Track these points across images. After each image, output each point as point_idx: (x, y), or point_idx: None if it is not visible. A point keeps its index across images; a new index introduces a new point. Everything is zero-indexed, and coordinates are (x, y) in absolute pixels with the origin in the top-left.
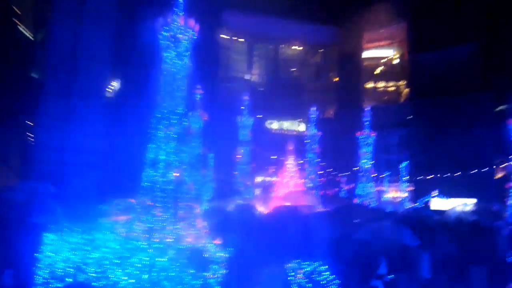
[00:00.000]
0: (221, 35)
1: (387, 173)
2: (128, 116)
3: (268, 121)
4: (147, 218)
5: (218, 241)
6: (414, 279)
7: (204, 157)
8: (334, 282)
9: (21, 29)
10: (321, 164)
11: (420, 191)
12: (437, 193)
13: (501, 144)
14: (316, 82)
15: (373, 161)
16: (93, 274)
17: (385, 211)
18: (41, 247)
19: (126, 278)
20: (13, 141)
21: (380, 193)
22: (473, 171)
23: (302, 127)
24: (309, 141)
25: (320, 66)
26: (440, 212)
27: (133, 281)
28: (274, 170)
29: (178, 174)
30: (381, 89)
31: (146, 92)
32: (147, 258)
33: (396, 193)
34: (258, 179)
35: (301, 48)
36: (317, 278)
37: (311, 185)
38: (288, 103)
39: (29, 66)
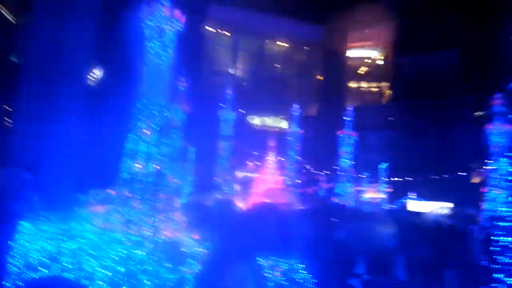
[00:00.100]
0: (207, 28)
1: (367, 174)
2: (110, 105)
3: (251, 117)
4: (125, 210)
5: (196, 236)
6: (390, 279)
7: (185, 150)
8: (311, 280)
9: (2, 12)
10: (301, 162)
11: (399, 193)
12: (415, 195)
13: (479, 148)
14: (299, 79)
15: (353, 161)
16: (68, 265)
17: (363, 211)
18: (15, 235)
19: (102, 270)
20: None
21: (359, 193)
22: (451, 175)
23: (284, 124)
24: (290, 138)
25: (304, 64)
26: (417, 214)
27: (109, 273)
28: (254, 166)
29: (158, 167)
30: (364, 89)
31: (128, 82)
32: (124, 251)
33: (375, 194)
34: (239, 174)
35: (286, 45)
36: (294, 276)
37: (291, 182)
38: (271, 99)
39: (9, 50)
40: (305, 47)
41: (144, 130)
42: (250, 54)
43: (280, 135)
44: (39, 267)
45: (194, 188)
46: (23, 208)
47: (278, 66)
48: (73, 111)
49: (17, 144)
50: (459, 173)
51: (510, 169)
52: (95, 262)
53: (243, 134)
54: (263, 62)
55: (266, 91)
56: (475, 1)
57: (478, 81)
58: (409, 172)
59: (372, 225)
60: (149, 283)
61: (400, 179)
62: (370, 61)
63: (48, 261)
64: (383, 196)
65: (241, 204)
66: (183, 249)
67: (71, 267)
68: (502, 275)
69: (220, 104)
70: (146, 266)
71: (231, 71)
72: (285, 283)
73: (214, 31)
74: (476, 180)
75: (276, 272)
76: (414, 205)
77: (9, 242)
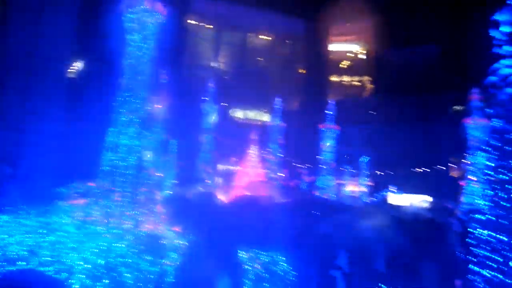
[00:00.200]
0: (189, 21)
1: (348, 167)
2: (90, 98)
3: (233, 110)
4: (106, 203)
5: (177, 228)
6: (370, 271)
7: (166, 143)
8: (292, 273)
9: None
10: (283, 155)
11: (379, 186)
12: (395, 189)
13: (458, 143)
14: (282, 73)
15: (335, 155)
16: (48, 258)
17: (345, 204)
18: None
19: (81, 263)
20: None
21: (340, 186)
22: (430, 168)
23: (266, 118)
24: (272, 131)
25: (287, 57)
26: (397, 207)
27: (89, 266)
28: (236, 159)
29: (139, 160)
30: (346, 83)
31: (109, 75)
32: (104, 243)
33: (356, 187)
34: (221, 167)
35: (269, 38)
36: (274, 269)
37: (272, 175)
38: (253, 93)
39: None
40: (287, 41)
41: (125, 123)
42: (233, 48)
43: (263, 128)
44: (18, 260)
45: (176, 181)
46: (2, 201)
47: (261, 59)
48: (54, 104)
49: None
50: (439, 167)
51: (488, 163)
52: (75, 255)
53: (225, 127)
54: (245, 56)
55: (249, 85)
56: None
57: (458, 76)
58: (390, 165)
59: (353, 218)
60: (130, 276)
61: (381, 173)
62: (352, 55)
63: (27, 254)
64: (364, 189)
65: (223, 197)
66: (164, 242)
67: (50, 260)
68: (478, 268)
69: (202, 97)
70: (126, 259)
71: (213, 64)
72: (266, 275)
73: (197, 23)
74: (455, 174)
75: (257, 265)
76: (395, 198)
77: None
